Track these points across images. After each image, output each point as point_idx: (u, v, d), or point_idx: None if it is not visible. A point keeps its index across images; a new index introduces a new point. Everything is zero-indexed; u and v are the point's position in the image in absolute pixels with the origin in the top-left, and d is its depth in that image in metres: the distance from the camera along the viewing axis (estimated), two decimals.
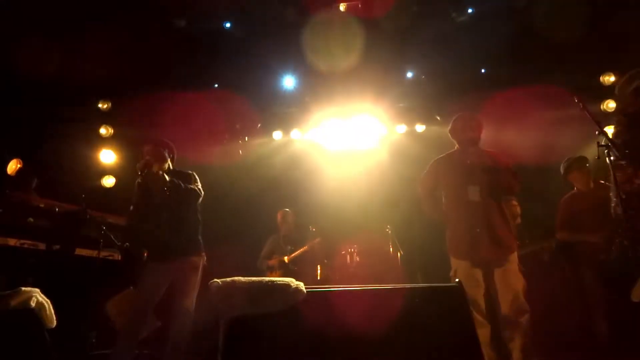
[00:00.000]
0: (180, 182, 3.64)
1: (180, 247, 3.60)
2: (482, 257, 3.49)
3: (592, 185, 4.33)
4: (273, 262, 5.92)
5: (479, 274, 3.52)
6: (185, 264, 3.59)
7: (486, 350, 3.39)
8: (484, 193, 3.50)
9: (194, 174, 3.86)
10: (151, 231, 3.64)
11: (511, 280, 3.43)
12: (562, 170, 4.52)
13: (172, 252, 3.56)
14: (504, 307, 3.43)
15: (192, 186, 3.72)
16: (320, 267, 6.03)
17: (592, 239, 4.09)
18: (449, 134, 3.87)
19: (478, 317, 3.43)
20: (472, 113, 3.80)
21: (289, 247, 5.94)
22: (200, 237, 3.81)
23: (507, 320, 3.41)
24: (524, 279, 3.50)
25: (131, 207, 3.72)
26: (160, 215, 3.63)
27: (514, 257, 3.52)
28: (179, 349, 3.45)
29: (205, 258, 3.78)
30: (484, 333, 3.42)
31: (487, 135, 5.90)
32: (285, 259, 5.86)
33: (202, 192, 3.81)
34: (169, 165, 3.84)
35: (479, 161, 3.62)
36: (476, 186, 3.51)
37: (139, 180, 3.66)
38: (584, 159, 4.37)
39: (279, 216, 6.22)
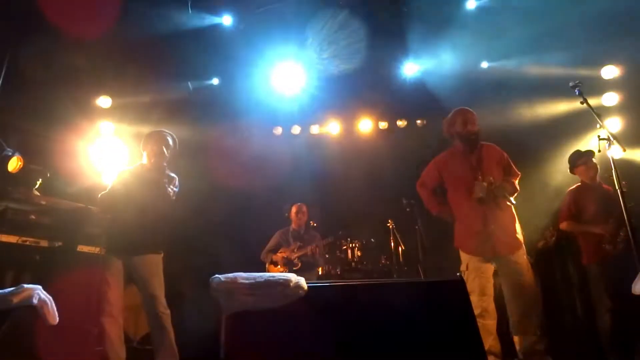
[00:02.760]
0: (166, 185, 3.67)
1: (142, 243, 3.55)
2: (493, 253, 3.53)
3: (598, 178, 4.32)
4: (277, 257, 5.90)
5: (490, 268, 3.57)
6: (144, 261, 3.54)
7: (492, 341, 3.43)
8: (490, 188, 3.51)
9: (176, 179, 3.87)
10: (117, 221, 3.59)
11: (523, 275, 3.47)
12: (568, 163, 4.52)
13: (134, 246, 3.52)
14: (517, 303, 3.46)
15: (170, 190, 3.71)
16: (322, 262, 6.02)
17: (597, 231, 4.12)
18: (446, 131, 3.84)
19: (488, 309, 3.48)
20: (467, 108, 3.80)
21: (298, 244, 5.91)
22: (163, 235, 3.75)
23: (519, 315, 3.45)
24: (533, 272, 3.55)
25: (106, 192, 3.67)
26: (131, 207, 3.57)
27: (523, 251, 3.57)
28: (172, 348, 3.43)
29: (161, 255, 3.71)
30: (491, 325, 3.47)
31: (489, 129, 5.92)
32: (292, 256, 5.84)
33: (174, 197, 3.80)
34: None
35: (485, 156, 3.67)
36: (483, 182, 3.51)
37: (131, 169, 3.75)
38: (590, 153, 4.37)
39: (293, 209, 6.18)
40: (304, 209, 6.13)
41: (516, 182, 3.72)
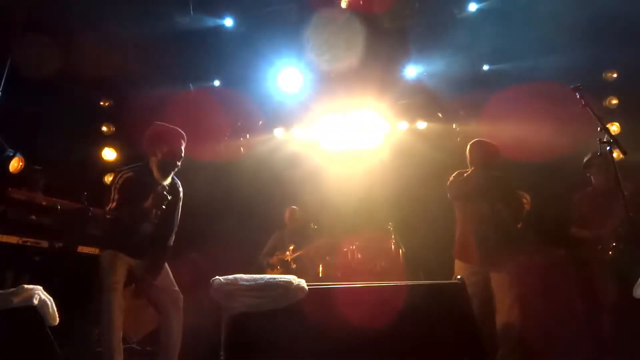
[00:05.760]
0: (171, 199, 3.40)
1: (152, 250, 3.41)
2: (483, 263, 3.79)
3: (609, 183, 4.31)
4: (274, 260, 5.90)
5: (479, 277, 3.78)
6: (152, 261, 3.39)
7: None
8: (494, 209, 3.87)
9: (179, 185, 3.60)
10: (124, 230, 3.31)
11: (505, 291, 3.69)
12: (583, 165, 4.53)
13: (142, 252, 3.37)
14: (498, 314, 3.67)
15: (178, 207, 3.53)
16: (322, 264, 6.02)
17: (598, 235, 4.16)
18: (468, 157, 4.11)
19: None
20: (488, 141, 4.10)
21: (292, 246, 5.91)
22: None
23: (499, 326, 3.65)
24: (518, 287, 3.76)
25: (114, 212, 3.25)
26: (147, 221, 3.35)
27: (513, 266, 3.80)
28: (176, 347, 3.38)
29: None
30: None
31: (489, 132, 5.93)
32: (287, 258, 5.84)
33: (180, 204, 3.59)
34: None
35: (491, 181, 3.97)
36: (487, 203, 3.88)
37: (139, 174, 3.33)
38: (603, 156, 4.35)
39: (287, 213, 6.19)
40: (296, 214, 6.11)
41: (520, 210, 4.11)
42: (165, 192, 3.29)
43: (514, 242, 3.95)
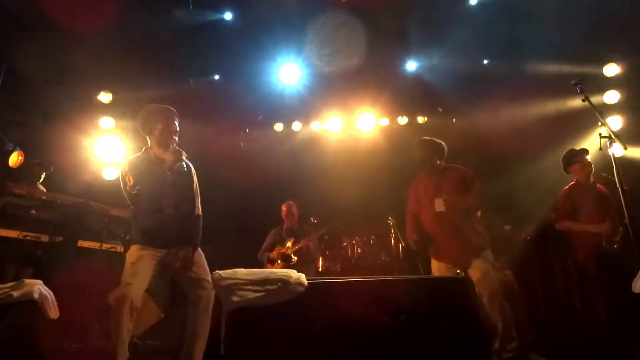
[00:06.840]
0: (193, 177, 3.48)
1: (178, 239, 3.34)
2: (453, 259, 3.89)
3: (592, 177, 4.32)
4: (273, 254, 5.89)
5: (453, 273, 3.87)
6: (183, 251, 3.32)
7: None
8: (447, 204, 3.94)
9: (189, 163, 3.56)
10: (149, 218, 3.29)
11: (483, 281, 3.71)
12: (562, 162, 4.52)
13: (171, 241, 3.31)
14: (484, 306, 3.69)
15: (195, 181, 3.51)
16: (322, 258, 6.02)
17: (594, 229, 4.13)
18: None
19: None
20: (424, 139, 4.26)
21: (291, 240, 5.91)
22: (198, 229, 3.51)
23: (487, 317, 3.66)
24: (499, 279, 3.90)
25: (136, 189, 3.23)
26: (164, 199, 3.31)
27: (485, 257, 3.84)
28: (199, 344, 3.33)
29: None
30: None
31: (489, 126, 5.91)
32: (287, 251, 5.84)
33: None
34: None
35: (441, 177, 4.11)
36: (440, 199, 3.97)
37: (144, 158, 3.34)
38: (585, 151, 4.37)
39: (283, 208, 6.17)
40: (294, 209, 6.08)
41: (475, 197, 4.04)
42: (175, 164, 3.31)
43: (477, 232, 3.97)
